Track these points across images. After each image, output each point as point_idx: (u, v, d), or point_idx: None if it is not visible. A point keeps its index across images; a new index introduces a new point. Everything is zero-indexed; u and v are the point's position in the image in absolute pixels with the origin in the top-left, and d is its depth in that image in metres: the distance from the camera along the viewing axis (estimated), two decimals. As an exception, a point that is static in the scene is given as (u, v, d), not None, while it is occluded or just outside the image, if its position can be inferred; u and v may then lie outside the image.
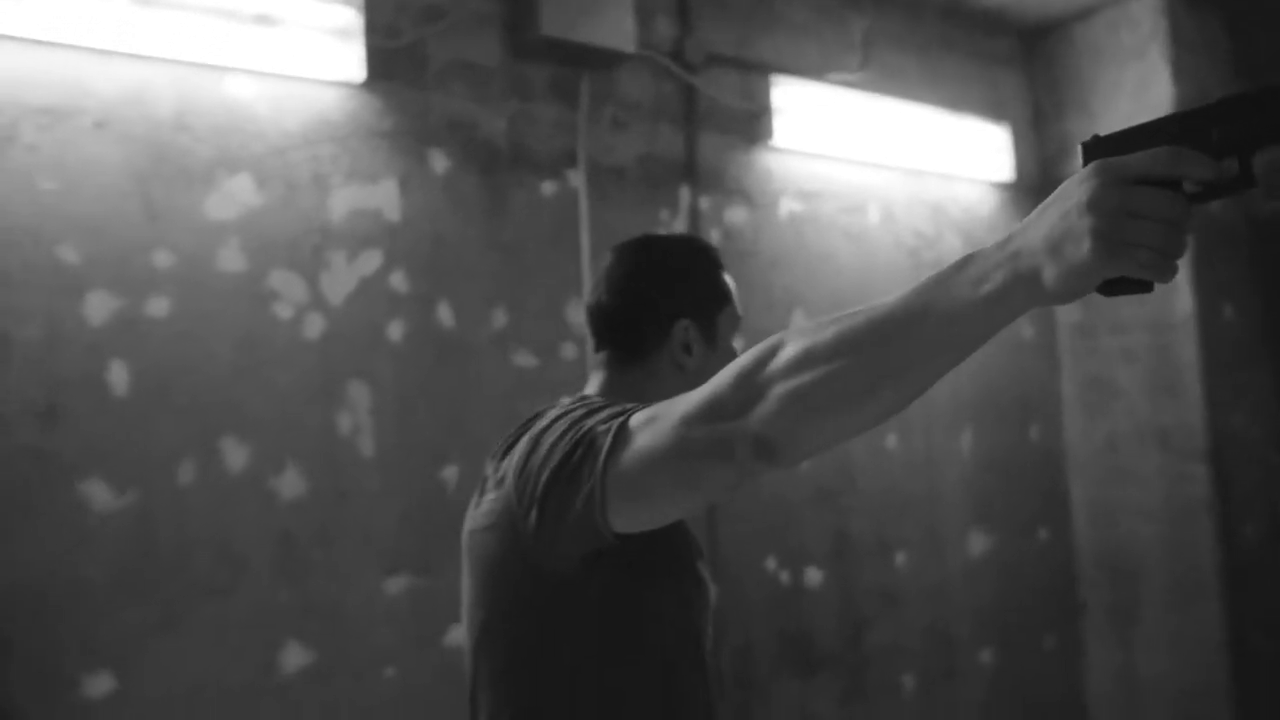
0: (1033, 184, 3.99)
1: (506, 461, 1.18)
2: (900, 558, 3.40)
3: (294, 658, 2.30)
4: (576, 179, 2.83)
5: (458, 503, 2.54)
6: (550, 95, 2.81)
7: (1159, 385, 3.64)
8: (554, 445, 1.08)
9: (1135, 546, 3.70)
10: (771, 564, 3.07)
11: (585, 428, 1.06)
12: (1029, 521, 3.78)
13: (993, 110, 3.86)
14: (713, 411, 0.94)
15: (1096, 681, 3.81)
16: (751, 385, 0.92)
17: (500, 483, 1.17)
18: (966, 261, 0.83)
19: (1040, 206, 0.80)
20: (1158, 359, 3.63)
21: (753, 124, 3.19)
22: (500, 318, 2.67)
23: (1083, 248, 0.75)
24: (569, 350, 2.77)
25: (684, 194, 3.05)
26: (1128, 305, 3.73)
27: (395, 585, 2.45)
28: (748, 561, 3.03)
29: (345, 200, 2.48)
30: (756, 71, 3.20)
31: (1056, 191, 0.80)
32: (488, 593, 1.19)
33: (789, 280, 3.24)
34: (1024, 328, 3.87)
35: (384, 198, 2.53)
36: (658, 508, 1.03)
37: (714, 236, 3.09)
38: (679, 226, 3.02)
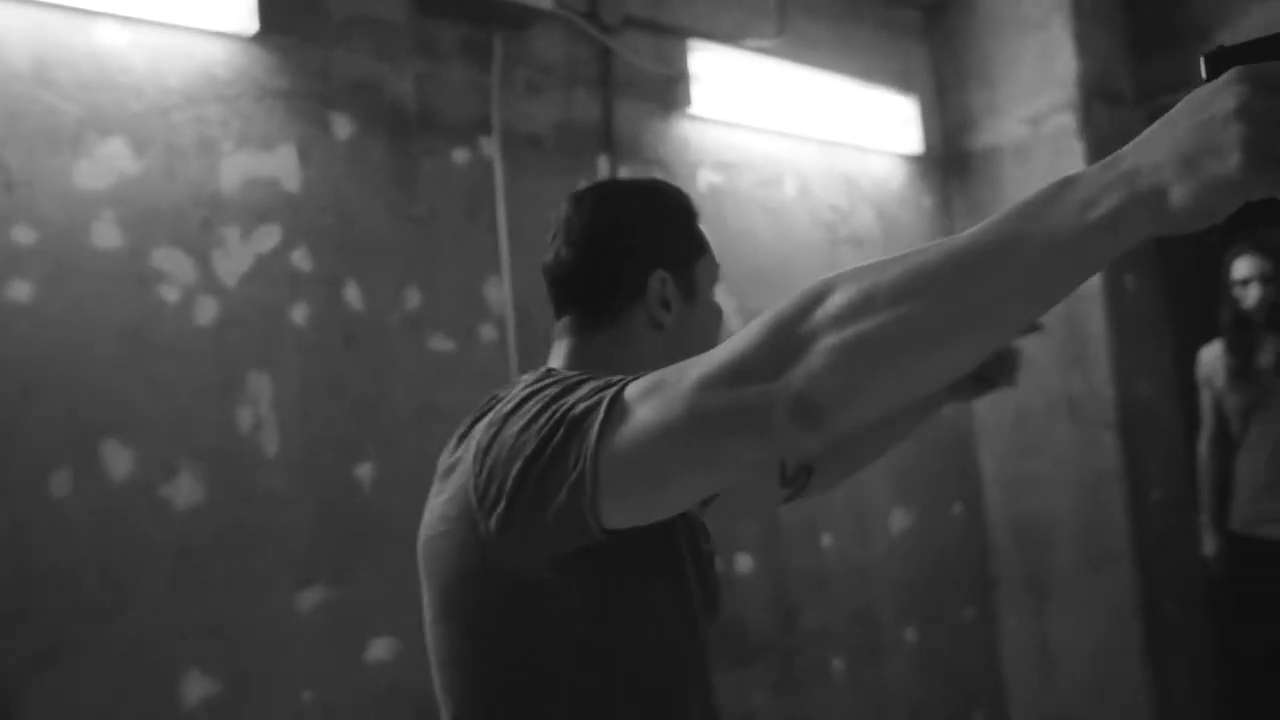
0: (938, 157, 3.95)
1: (461, 453, 1.00)
2: (827, 539, 3.31)
3: (196, 687, 2.03)
4: (490, 147, 2.61)
5: (375, 502, 2.31)
6: (460, 56, 2.58)
7: (1068, 356, 3.65)
8: (524, 429, 0.90)
9: (1047, 517, 3.72)
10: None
11: (565, 405, 0.88)
12: (945, 497, 3.76)
13: (901, 82, 3.80)
14: (740, 372, 0.78)
15: (1012, 651, 3.82)
16: (792, 337, 0.75)
17: (449, 475, 1.01)
18: (1065, 185, 0.69)
19: (1159, 123, 0.68)
20: (1066, 330, 3.64)
21: (670, 91, 3.03)
22: (413, 298, 2.43)
23: (1230, 161, 0.62)
24: (489, 332, 2.56)
25: (602, 164, 2.87)
26: (1035, 277, 3.72)
27: (309, 598, 2.20)
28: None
29: (237, 168, 2.20)
30: (673, 35, 3.04)
31: (1181, 104, 0.67)
32: (449, 606, 1.01)
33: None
34: (933, 302, 3.84)
35: (281, 166, 2.26)
36: (665, 495, 0.87)
37: (634, 210, 2.91)
38: (598, 199, 2.83)
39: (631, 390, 0.85)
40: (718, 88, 3.08)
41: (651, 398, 0.83)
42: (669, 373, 0.84)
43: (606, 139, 2.87)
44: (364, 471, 2.31)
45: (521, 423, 0.91)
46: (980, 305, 0.72)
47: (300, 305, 2.25)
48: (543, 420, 0.89)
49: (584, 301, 1.14)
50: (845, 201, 3.58)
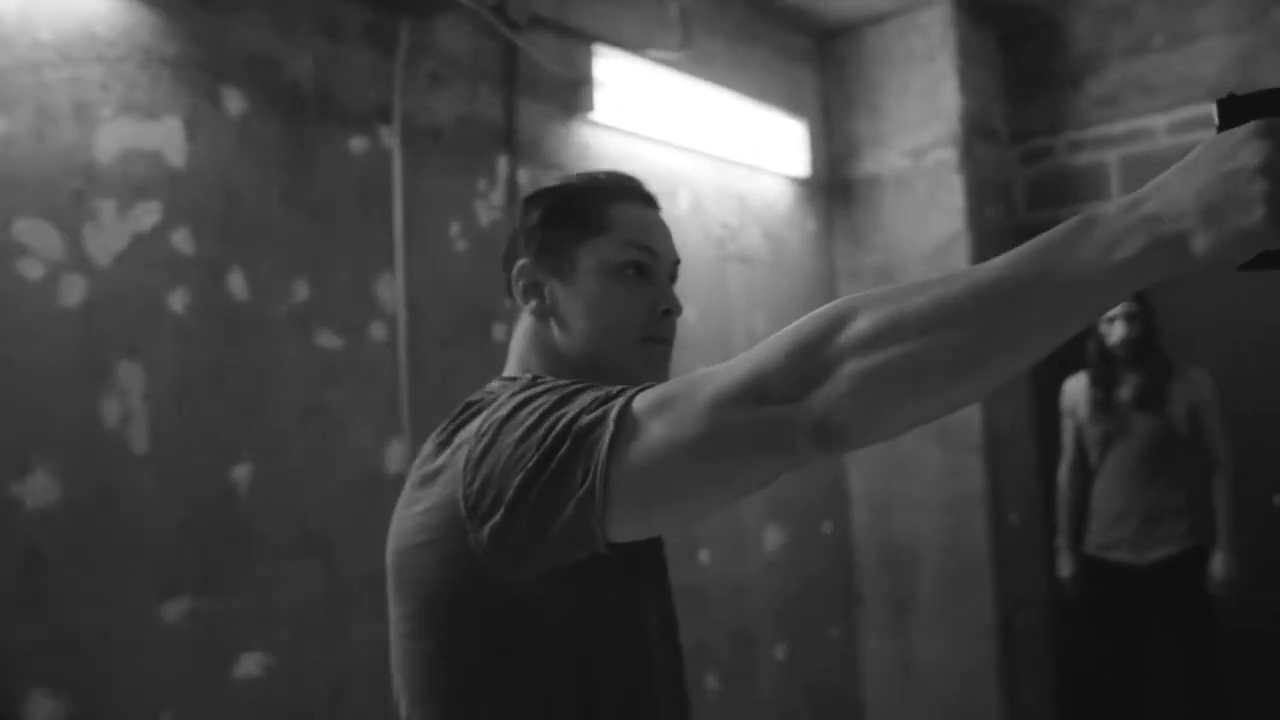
0: (823, 182, 4.02)
1: (443, 461, 0.95)
2: (705, 556, 3.29)
3: (40, 708, 1.83)
4: (390, 138, 2.48)
5: (251, 507, 2.14)
6: (364, 39, 2.45)
7: (939, 383, 3.75)
8: (523, 439, 0.87)
9: (913, 537, 3.82)
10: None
11: (566, 416, 0.86)
12: (816, 515, 3.81)
13: (792, 105, 3.85)
14: (760, 391, 0.77)
15: (874, 668, 3.90)
16: (815, 359, 0.76)
17: (428, 484, 0.96)
18: (1088, 224, 0.70)
19: (1178, 167, 0.69)
20: (939, 358, 3.74)
21: (573, 95, 2.96)
22: (301, 291, 2.28)
23: (1254, 214, 0.64)
24: (378, 331, 2.43)
25: (502, 164, 2.77)
26: (911, 305, 3.83)
27: (174, 609, 2.02)
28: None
29: (116, 137, 2.01)
30: (579, 39, 2.98)
31: (1202, 151, 0.68)
32: (429, 620, 0.96)
33: (604, 265, 3.04)
34: (812, 324, 3.89)
35: (166, 138, 2.08)
36: (678, 510, 0.85)
37: (532, 213, 2.83)
38: (496, 198, 2.74)
39: (640, 404, 0.83)
40: (620, 95, 3.04)
41: (664, 413, 0.81)
42: (679, 387, 0.82)
43: (507, 139, 2.79)
44: (241, 473, 2.14)
45: (518, 432, 0.87)
46: (1006, 337, 0.73)
47: (179, 291, 2.07)
48: (542, 430, 0.86)
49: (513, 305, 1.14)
50: (736, 219, 3.59)
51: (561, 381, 0.95)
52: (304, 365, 2.27)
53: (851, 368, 0.74)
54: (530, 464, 0.85)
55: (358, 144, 2.42)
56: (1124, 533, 3.22)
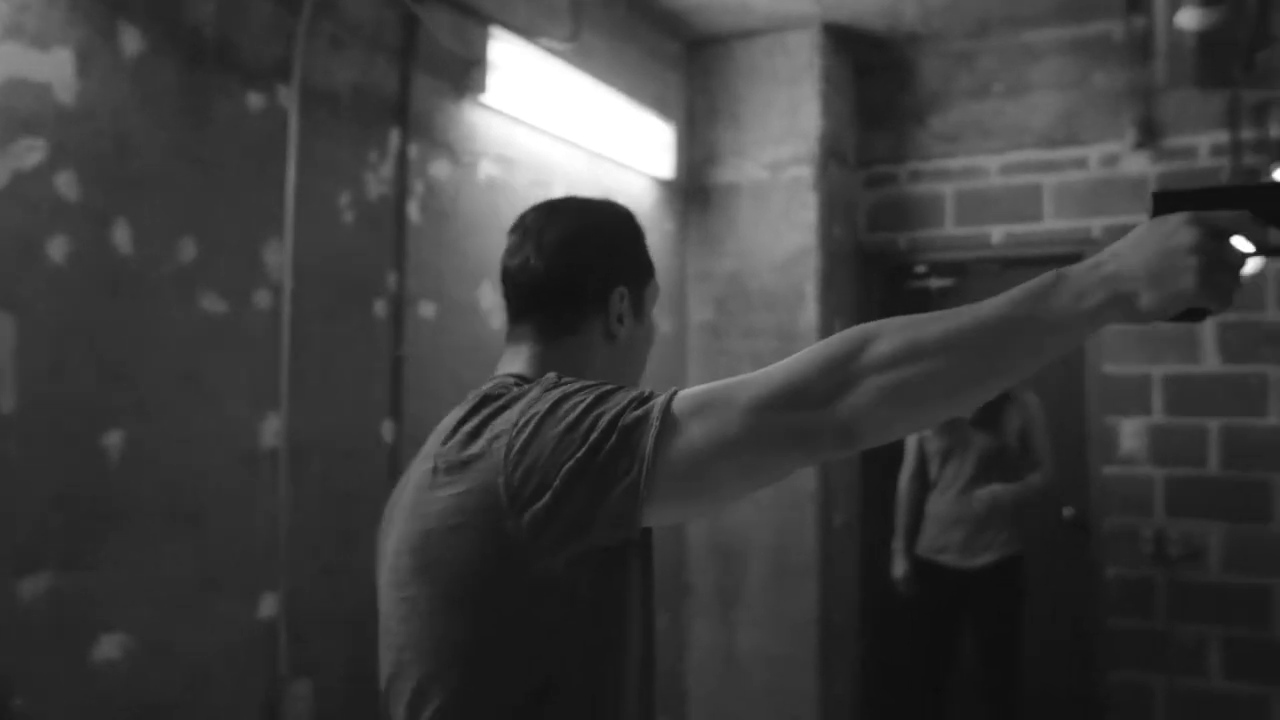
0: (683, 186, 4.12)
1: (478, 449, 1.01)
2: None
3: (-119, 688, 1.65)
4: (288, 97, 2.37)
5: (123, 477, 2.00)
6: (268, -10, 2.32)
7: (779, 389, 3.94)
8: (567, 433, 0.95)
9: (746, 533, 3.99)
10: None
11: (609, 412, 0.96)
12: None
13: (660, 108, 3.92)
14: (796, 398, 0.92)
15: (698, 657, 4.04)
16: (843, 373, 0.91)
17: (459, 471, 1.01)
18: (1061, 278, 0.90)
19: (1130, 241, 0.91)
20: (781, 365, 3.92)
21: (466, 74, 2.92)
22: (188, 249, 2.14)
23: (1186, 282, 0.87)
24: (263, 298, 2.31)
25: (394, 137, 2.70)
26: (759, 314, 4.00)
27: (32, 586, 1.85)
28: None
29: (1, 61, 1.83)
30: (476, 19, 2.93)
31: (1147, 231, 0.91)
32: (456, 600, 1.01)
33: (482, 249, 3.01)
34: (664, 324, 3.98)
35: (54, 71, 1.91)
36: (711, 498, 0.98)
37: (418, 189, 2.77)
38: (387, 172, 2.66)
39: (680, 405, 0.94)
40: (511, 80, 3.02)
41: (706, 414, 0.93)
42: (717, 391, 0.95)
43: (400, 112, 2.71)
44: (113, 441, 1.99)
45: (561, 426, 0.96)
46: (999, 365, 0.92)
47: (60, 239, 1.91)
48: (586, 424, 0.95)
49: (549, 310, 1.19)
50: (602, 214, 3.63)
51: (591, 381, 1.02)
52: (185, 328, 2.13)
53: (874, 382, 0.90)
54: (578, 455, 0.93)
55: (255, 100, 2.29)
56: (954, 539, 3.53)
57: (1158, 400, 3.81)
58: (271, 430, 2.32)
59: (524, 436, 0.97)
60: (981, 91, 4.15)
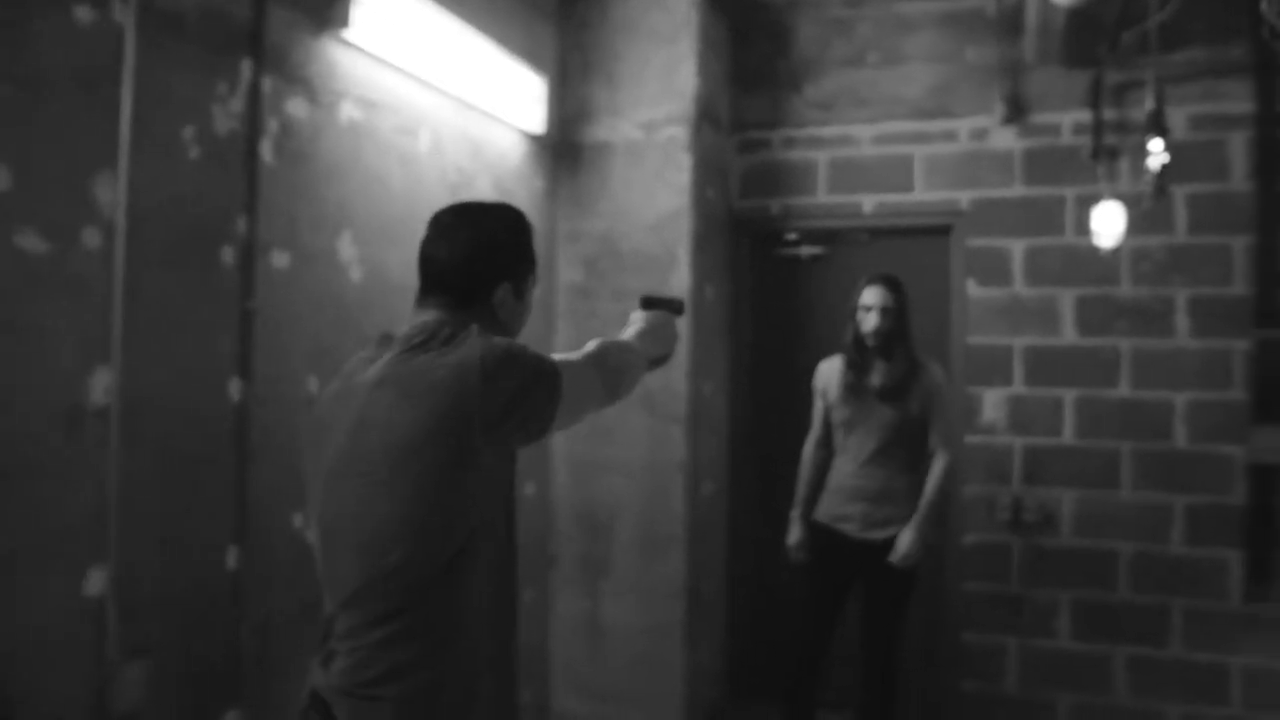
0: (554, 143, 3.98)
1: (441, 374, 1.48)
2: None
3: None
4: (123, 13, 2.11)
5: (-79, 437, 1.75)
6: (100, -110, 2.06)
7: (650, 355, 3.86)
8: (522, 372, 1.52)
9: (613, 501, 3.90)
10: (298, 520, 2.63)
11: (542, 365, 1.55)
12: (519, 477, 3.76)
13: (533, 60, 3.76)
14: (600, 368, 1.67)
15: (564, 628, 3.95)
16: (607, 359, 1.70)
17: (425, 393, 1.47)
18: (639, 340, 1.85)
19: (654, 323, 1.90)
20: (653, 330, 3.84)
21: (329, 6, 2.69)
22: (3, 178, 1.89)
23: (673, 344, 1.94)
24: (93, 238, 2.06)
25: (245, 69, 2.46)
26: (631, 277, 3.90)
27: None
28: (274, 518, 2.55)
29: None
30: (339, -55, 2.71)
31: (656, 319, 1.92)
32: (427, 489, 1.47)
33: (342, 196, 2.80)
34: (530, 284, 3.83)
35: None
36: (579, 414, 1.65)
37: (272, 128, 2.54)
38: (236, 106, 2.43)
39: (561, 363, 1.60)
40: (377, 17, 2.81)
41: (572, 370, 1.61)
42: (574, 359, 1.64)
43: (254, 42, 2.47)
44: (-92, 394, 1.73)
45: (517, 369, 1.52)
46: (644, 358, 1.83)
47: None
48: (530, 370, 1.53)
49: (454, 292, 1.62)
50: (470, 166, 3.45)
51: (508, 342, 1.57)
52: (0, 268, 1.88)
53: (613, 365, 1.71)
54: (526, 385, 1.51)
55: (84, 14, 2.03)
56: (854, 510, 3.39)
57: (1018, 371, 3.91)
58: (101, 386, 2.08)
59: (491, 371, 1.47)
60: (857, 60, 4.14)
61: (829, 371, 3.54)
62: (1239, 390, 3.68)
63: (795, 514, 3.58)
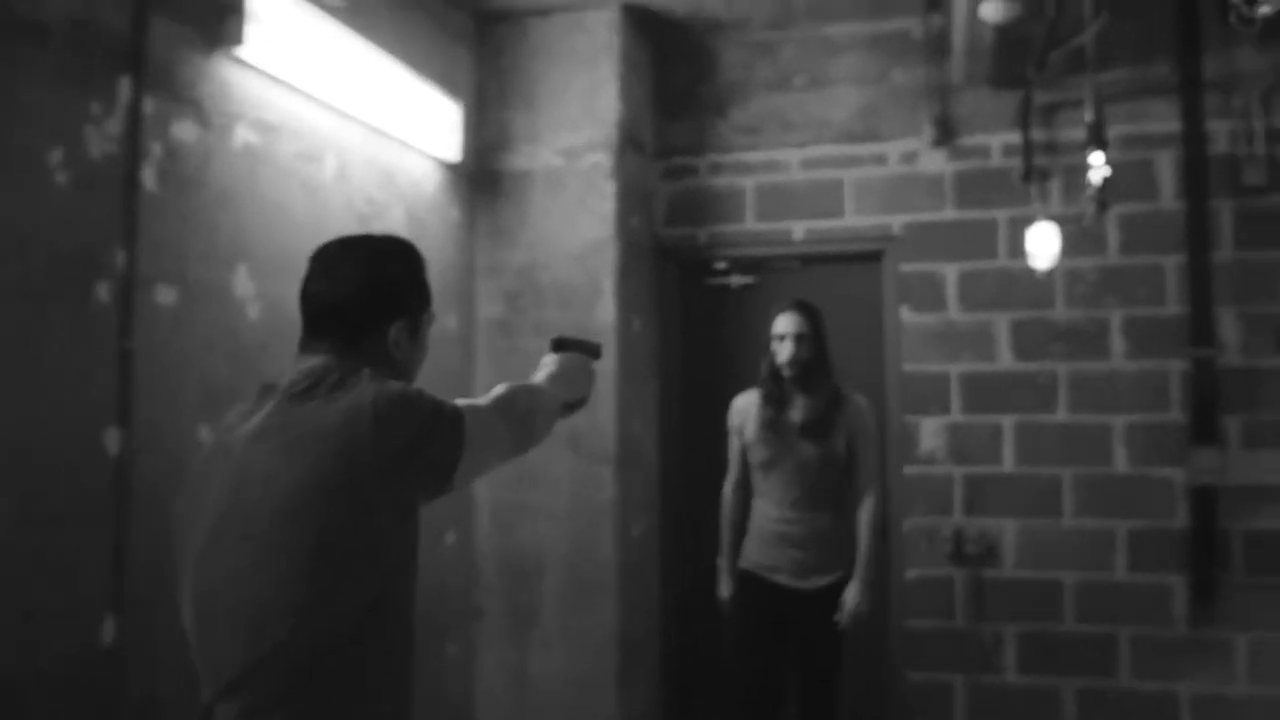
0: (471, 171, 3.80)
1: (329, 422, 1.33)
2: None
3: None
4: (-24, 24, 1.90)
5: None
6: (-53, -114, 1.85)
7: (577, 391, 3.68)
8: (416, 417, 1.37)
9: (539, 548, 3.70)
10: (190, 584, 2.38)
11: (440, 409, 1.40)
12: (437, 525, 3.55)
13: (447, 85, 3.59)
14: (509, 416, 1.54)
15: (490, 683, 3.71)
16: (515, 405, 1.57)
17: (313, 441, 1.31)
18: (551, 384, 1.74)
19: (566, 365, 1.79)
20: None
21: (220, 22, 2.49)
22: None
23: (590, 386, 1.83)
24: (-60, 275, 1.83)
25: (124, 88, 2.25)
26: (553, 310, 3.72)
27: None
28: (160, 584, 2.30)
29: None
30: (230, -44, 2.51)
31: (569, 361, 1.81)
32: (322, 547, 1.29)
33: (237, 226, 2.59)
34: (449, 321, 3.64)
35: None
36: (484, 464, 1.50)
37: (155, 152, 2.33)
38: (114, 127, 2.21)
39: (464, 408, 1.45)
40: (275, 35, 2.61)
41: (482, 414, 1.49)
42: (479, 405, 1.51)
43: (133, 58, 2.27)
44: None
45: (414, 413, 1.37)
46: (558, 403, 1.72)
47: None
48: (426, 415, 1.38)
49: (340, 333, 1.46)
50: (381, 195, 3.26)
51: (402, 385, 1.42)
52: None
53: (521, 411, 1.58)
54: (421, 433, 1.36)
55: (-73, 23, 1.82)
56: (783, 558, 3.14)
57: (956, 398, 3.81)
58: (-49, 440, 1.84)
59: (382, 416, 1.33)
60: (783, 84, 4.04)
61: (745, 407, 3.28)
62: (1177, 411, 3.63)
63: (723, 563, 3.31)
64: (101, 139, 2.18)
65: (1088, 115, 2.54)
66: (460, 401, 1.46)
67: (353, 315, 1.45)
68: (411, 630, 1.42)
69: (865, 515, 3.17)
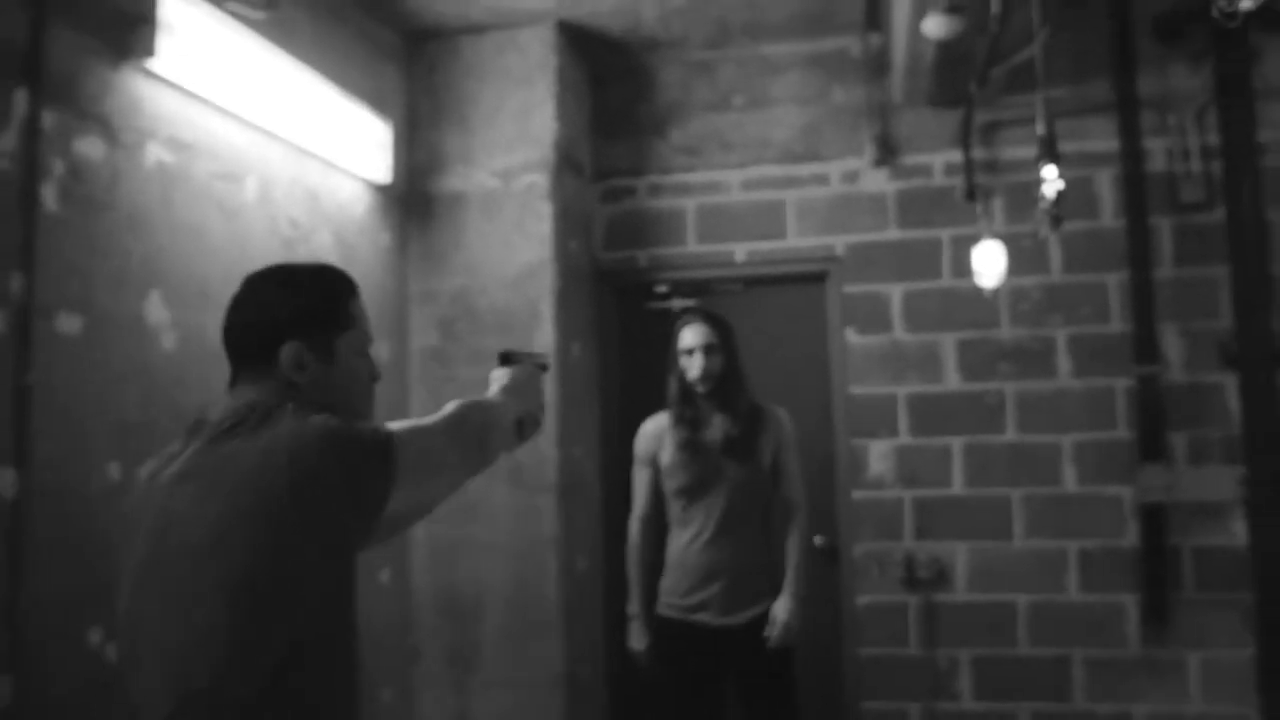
0: (402, 194, 3.66)
1: (248, 461, 1.27)
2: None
3: None
4: None
5: None
6: None
7: (517, 420, 3.54)
8: (331, 446, 1.28)
9: (478, 585, 3.53)
10: (95, 638, 2.18)
11: (366, 438, 1.32)
12: (373, 563, 3.37)
13: (375, 103, 3.45)
14: (458, 435, 1.47)
15: (428, 734, 3.53)
16: (466, 424, 1.49)
17: (232, 481, 1.26)
18: (502, 403, 1.63)
19: (515, 381, 1.70)
20: (518, 393, 3.53)
21: (129, 32, 2.33)
22: None
23: (540, 402, 1.73)
24: None
25: (20, 100, 2.08)
26: (490, 337, 3.58)
27: None
28: (63, 637, 2.11)
29: None
30: (138, -37, 2.36)
31: (519, 374, 1.72)
32: (241, 607, 1.22)
33: (150, 251, 2.42)
34: (380, 351, 3.48)
35: None
36: (431, 490, 1.50)
37: (56, 169, 2.16)
38: (9, 143, 2.04)
39: (401, 434, 1.36)
40: (189, 48, 2.46)
41: (419, 439, 1.40)
42: (422, 426, 1.43)
43: (31, 69, 2.10)
44: None
45: (314, 451, 1.27)
46: (501, 430, 1.59)
47: None
48: (339, 453, 1.28)
49: (246, 361, 1.43)
50: (306, 218, 3.10)
51: (327, 418, 1.32)
52: None
53: (475, 428, 1.51)
54: (351, 466, 1.28)
55: None
56: (708, 594, 2.84)
57: (904, 420, 3.74)
58: None
59: (304, 451, 1.26)
60: (722, 104, 3.97)
61: (655, 432, 2.99)
62: (1124, 429, 3.60)
63: (634, 609, 2.97)
64: (-5, 155, 2.01)
65: (1039, 128, 2.49)
66: (402, 424, 1.39)
67: (248, 342, 1.42)
68: (353, 675, 1.35)
69: (796, 529, 2.95)
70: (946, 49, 3.15)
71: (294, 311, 1.43)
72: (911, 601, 3.69)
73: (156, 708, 1.24)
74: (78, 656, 2.12)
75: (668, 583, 2.95)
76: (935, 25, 2.94)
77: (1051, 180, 2.35)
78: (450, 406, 1.48)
